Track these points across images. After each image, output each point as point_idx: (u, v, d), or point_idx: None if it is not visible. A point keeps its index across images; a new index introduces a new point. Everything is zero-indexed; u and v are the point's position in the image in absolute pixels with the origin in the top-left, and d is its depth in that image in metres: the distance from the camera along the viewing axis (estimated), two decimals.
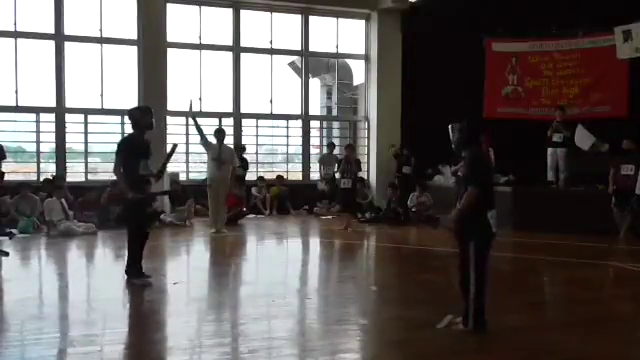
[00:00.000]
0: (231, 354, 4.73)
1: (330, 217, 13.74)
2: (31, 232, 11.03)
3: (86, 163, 14.01)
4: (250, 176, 14.37)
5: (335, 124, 17.44)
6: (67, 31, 13.48)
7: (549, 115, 13.22)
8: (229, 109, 14.97)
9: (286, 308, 6.10)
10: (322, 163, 14.94)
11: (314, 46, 15.64)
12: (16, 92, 13.22)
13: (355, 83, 16.97)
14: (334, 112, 17.50)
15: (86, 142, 13.95)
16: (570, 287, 7.43)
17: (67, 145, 13.72)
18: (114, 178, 12.23)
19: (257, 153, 15.41)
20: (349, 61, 16.74)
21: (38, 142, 13.58)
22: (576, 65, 14.06)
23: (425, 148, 13.11)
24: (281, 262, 9.29)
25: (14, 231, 10.62)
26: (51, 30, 13.37)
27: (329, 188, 14.35)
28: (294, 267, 8.96)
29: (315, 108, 16.77)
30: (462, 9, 14.04)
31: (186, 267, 9.13)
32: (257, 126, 15.35)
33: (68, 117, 13.60)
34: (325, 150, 15.36)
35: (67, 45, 13.52)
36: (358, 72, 16.54)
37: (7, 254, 8.72)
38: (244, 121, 15.08)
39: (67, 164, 13.65)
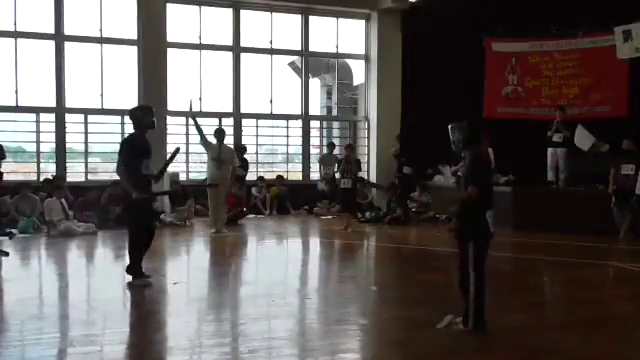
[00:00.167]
0: (231, 354, 4.73)
1: (330, 217, 13.74)
2: (31, 232, 11.03)
3: (86, 163, 14.01)
4: (250, 176, 14.37)
5: (335, 124, 17.44)
6: (67, 31, 13.48)
7: (549, 115, 13.22)
8: (229, 109, 14.97)
9: (286, 308, 6.10)
10: (322, 163, 14.95)
11: (314, 46, 15.64)
12: (16, 92, 13.22)
13: (355, 83, 16.98)
14: (334, 112, 17.50)
15: (86, 142, 13.95)
16: (570, 287, 7.43)
17: (67, 145, 13.72)
18: (114, 178, 12.32)
19: (257, 153, 15.41)
20: (349, 61, 16.74)
21: (38, 142, 13.58)
22: (576, 65, 14.05)
23: (425, 148, 13.10)
24: (281, 262, 9.29)
25: (14, 231, 10.62)
26: (51, 30, 13.37)
27: (329, 188, 14.35)
28: (294, 267, 8.96)
29: (315, 108, 16.77)
30: (462, 9, 14.04)
31: (186, 267, 9.13)
32: (257, 126, 15.35)
33: (68, 117, 13.60)
34: (325, 150, 15.37)
35: (67, 45, 13.52)
36: (358, 72, 16.54)
37: (7, 254, 8.72)
38: (244, 121, 15.09)
39: (67, 164, 13.65)
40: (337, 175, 13.24)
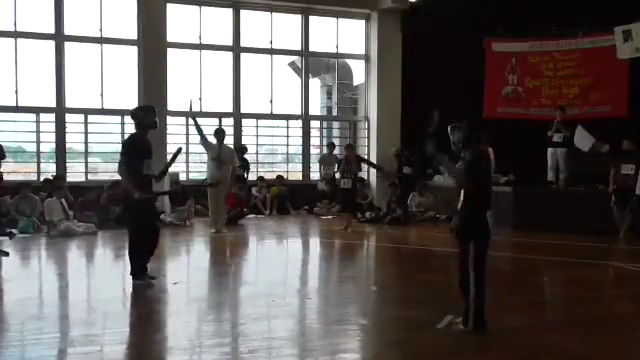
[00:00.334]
0: (231, 354, 4.73)
1: (330, 217, 13.74)
2: (31, 232, 11.03)
3: (86, 163, 14.01)
4: (250, 176, 14.39)
5: (335, 124, 17.44)
6: (67, 31, 13.48)
7: (549, 115, 13.21)
8: (229, 109, 14.97)
9: (286, 308, 6.10)
10: (322, 163, 14.97)
11: (314, 46, 15.65)
12: (16, 92, 13.23)
13: (355, 83, 16.98)
14: (334, 112, 17.51)
15: (86, 142, 13.95)
16: (570, 287, 7.43)
17: (67, 145, 13.72)
18: (114, 178, 12.33)
19: (257, 153, 15.42)
20: (349, 61, 16.75)
21: (38, 142, 13.59)
22: (576, 65, 14.05)
23: (425, 148, 13.08)
24: (281, 262, 9.29)
25: (14, 231, 10.62)
26: (51, 30, 13.37)
27: (329, 188, 14.36)
28: (294, 267, 8.96)
29: (315, 108, 16.78)
30: (462, 9, 14.04)
31: (186, 267, 9.14)
32: (257, 126, 15.35)
33: (68, 117, 13.60)
34: (325, 150, 15.38)
35: (67, 45, 13.53)
36: (358, 72, 16.55)
37: (7, 254, 8.72)
38: (244, 121, 15.09)
39: (67, 164, 13.66)
40: (337, 175, 13.25)
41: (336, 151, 15.14)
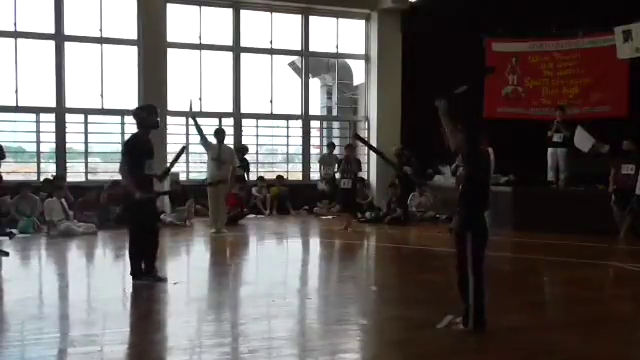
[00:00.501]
0: (231, 354, 4.73)
1: (330, 217, 13.74)
2: (31, 232, 11.03)
3: (86, 163, 14.01)
4: (250, 176, 14.39)
5: (335, 124, 17.45)
6: (67, 31, 13.49)
7: (549, 115, 13.22)
8: (229, 109, 14.97)
9: (286, 308, 6.10)
10: (322, 163, 14.98)
11: (314, 46, 15.65)
12: (16, 92, 13.23)
13: (355, 83, 16.98)
14: (334, 112, 17.51)
15: (86, 142, 13.96)
16: (570, 287, 7.43)
17: (67, 145, 13.73)
18: (114, 178, 12.34)
19: (257, 153, 15.42)
20: (349, 61, 16.75)
21: (38, 142, 13.59)
22: (576, 65, 14.06)
23: (425, 148, 13.08)
24: (281, 262, 9.29)
25: (14, 231, 10.63)
26: (51, 30, 13.38)
27: (329, 188, 14.36)
28: (294, 267, 8.96)
29: (315, 108, 16.78)
30: (462, 9, 14.04)
31: (186, 267, 9.14)
32: (257, 126, 15.36)
33: (68, 117, 13.61)
34: (325, 150, 15.38)
35: (67, 45, 13.53)
36: (358, 72, 16.55)
37: (7, 254, 8.72)
38: (244, 121, 15.09)
39: (67, 164, 13.67)
40: (337, 175, 13.25)
41: (336, 151, 15.14)
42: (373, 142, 15.67)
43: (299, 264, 9.29)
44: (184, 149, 7.48)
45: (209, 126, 12.27)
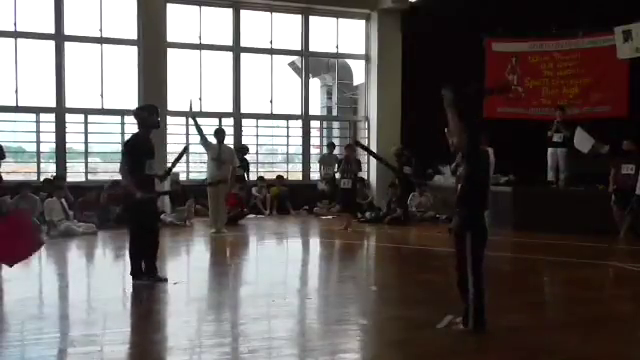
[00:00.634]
0: (231, 354, 4.73)
1: (330, 217, 13.74)
2: None
3: (86, 163, 14.01)
4: (250, 176, 14.39)
5: (335, 124, 17.45)
6: (67, 31, 13.49)
7: (549, 115, 13.22)
8: (229, 109, 14.97)
9: (286, 308, 6.10)
10: (322, 163, 14.98)
11: (314, 46, 15.65)
12: (16, 92, 13.23)
13: (355, 83, 16.98)
14: (334, 112, 17.52)
15: (86, 142, 13.96)
16: (570, 287, 7.43)
17: (67, 145, 13.73)
18: (114, 178, 12.34)
19: (257, 153, 15.42)
20: (349, 61, 16.75)
21: (38, 142, 13.59)
22: (576, 65, 14.06)
23: (425, 148, 13.10)
24: (281, 262, 9.29)
25: None
26: (51, 30, 13.37)
27: (329, 188, 14.36)
28: (294, 267, 8.96)
29: (315, 108, 16.78)
30: (462, 9, 14.04)
31: (186, 267, 9.14)
32: (257, 126, 15.36)
33: (68, 117, 13.61)
34: (325, 150, 15.38)
35: (67, 45, 13.53)
36: (358, 72, 16.55)
37: None
38: (244, 121, 15.09)
39: (67, 164, 13.67)
40: (337, 175, 13.25)
41: (336, 151, 15.15)
42: (373, 142, 15.71)
43: (299, 264, 9.29)
44: (186, 149, 7.48)
45: (209, 126, 12.27)
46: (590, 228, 10.82)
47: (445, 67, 13.78)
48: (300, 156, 15.96)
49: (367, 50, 15.91)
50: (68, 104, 13.57)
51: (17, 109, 13.31)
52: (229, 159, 11.21)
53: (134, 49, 13.86)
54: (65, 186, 12.05)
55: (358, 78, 16.66)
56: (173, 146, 13.42)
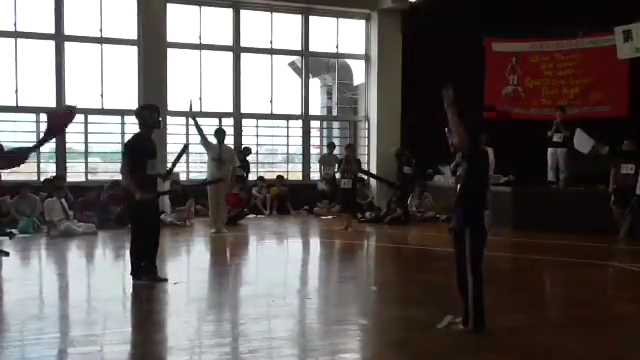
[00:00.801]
0: (231, 354, 4.73)
1: (330, 217, 13.74)
2: (31, 232, 11.03)
3: (86, 163, 14.01)
4: (250, 176, 14.39)
5: (335, 124, 17.45)
6: (67, 31, 13.48)
7: (549, 115, 13.21)
8: (229, 109, 14.97)
9: (286, 308, 6.10)
10: (322, 163, 14.98)
11: (314, 46, 15.64)
12: (16, 92, 13.22)
13: (355, 83, 16.98)
14: (334, 112, 17.52)
15: (86, 142, 13.95)
16: (570, 287, 7.43)
17: (67, 145, 13.72)
18: (114, 178, 12.33)
19: (257, 153, 15.42)
20: (349, 61, 16.75)
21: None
22: (576, 65, 14.07)
23: (425, 148, 13.10)
24: (281, 262, 9.29)
25: (14, 231, 10.63)
26: (51, 30, 13.37)
27: (329, 188, 14.36)
28: (294, 267, 8.96)
29: (315, 108, 16.78)
30: (462, 9, 14.04)
31: (186, 267, 9.14)
32: (257, 126, 15.35)
33: None
34: (325, 150, 15.38)
35: (67, 45, 13.53)
36: (358, 72, 16.55)
37: (7, 254, 8.73)
38: (244, 121, 15.09)
39: (67, 164, 13.66)
40: (337, 175, 13.24)
41: (336, 151, 15.14)
42: (373, 142, 15.72)
43: (299, 264, 9.29)
44: (186, 147, 7.47)
45: (209, 126, 12.28)
46: (590, 228, 10.81)
47: (445, 67, 13.78)
48: (300, 156, 15.96)
49: (367, 50, 15.90)
50: (68, 104, 13.54)
51: (17, 109, 13.30)
52: (229, 159, 11.22)
53: (134, 49, 13.86)
54: (65, 186, 12.05)
55: (358, 78, 16.66)
56: (173, 146, 13.40)
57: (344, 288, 7.23)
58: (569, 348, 4.88)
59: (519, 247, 10.36)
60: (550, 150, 12.38)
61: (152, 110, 7.15)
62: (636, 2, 12.49)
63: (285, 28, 15.35)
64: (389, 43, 15.33)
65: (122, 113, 13.63)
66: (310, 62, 15.85)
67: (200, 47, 14.62)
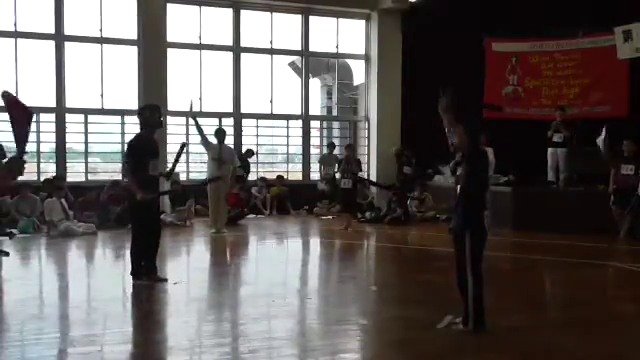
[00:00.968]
0: (231, 354, 4.73)
1: (330, 217, 13.74)
2: (31, 232, 11.03)
3: (86, 163, 14.00)
4: (250, 176, 14.39)
5: (335, 124, 17.45)
6: (67, 31, 13.48)
7: (549, 115, 13.21)
8: (229, 109, 14.97)
9: (286, 308, 6.10)
10: (322, 163, 14.98)
11: (314, 46, 15.64)
12: (16, 92, 13.19)
13: (355, 83, 16.98)
14: (334, 112, 17.52)
15: (86, 142, 13.95)
16: (570, 287, 7.43)
17: (67, 145, 13.72)
18: (114, 178, 12.35)
19: (257, 153, 15.41)
20: (349, 61, 16.75)
21: (38, 142, 13.57)
22: (576, 65, 14.05)
23: (425, 148, 13.10)
24: (281, 262, 9.29)
25: (14, 231, 10.62)
26: (51, 30, 13.37)
27: (329, 188, 14.36)
28: (294, 267, 8.96)
29: (315, 108, 16.78)
30: (462, 9, 14.04)
31: (186, 267, 9.14)
32: (257, 126, 15.35)
33: (68, 117, 13.60)
34: (325, 150, 15.38)
35: (67, 45, 13.53)
36: (358, 72, 16.55)
37: (7, 254, 8.73)
38: (244, 121, 15.09)
39: (67, 164, 13.65)
40: (337, 175, 13.24)
41: (336, 151, 15.14)
42: (373, 142, 15.72)
43: (299, 264, 9.30)
44: (184, 146, 7.47)
45: (209, 126, 12.28)
46: (590, 228, 10.82)
47: (445, 67, 13.82)
48: (300, 156, 15.96)
49: (367, 50, 15.90)
50: (68, 104, 13.56)
51: None
52: (229, 159, 11.22)
53: (134, 49, 13.86)
54: (65, 186, 12.04)
55: (358, 78, 16.66)
56: (173, 146, 13.37)
57: (344, 288, 7.23)
58: (569, 348, 4.88)
59: (519, 247, 10.36)
60: (550, 150, 12.38)
61: (153, 110, 7.15)
62: (636, 2, 12.49)
63: (285, 28, 15.35)
64: (389, 43, 15.33)
65: (122, 113, 13.63)
66: (310, 62, 15.85)
67: (200, 47, 14.62)
